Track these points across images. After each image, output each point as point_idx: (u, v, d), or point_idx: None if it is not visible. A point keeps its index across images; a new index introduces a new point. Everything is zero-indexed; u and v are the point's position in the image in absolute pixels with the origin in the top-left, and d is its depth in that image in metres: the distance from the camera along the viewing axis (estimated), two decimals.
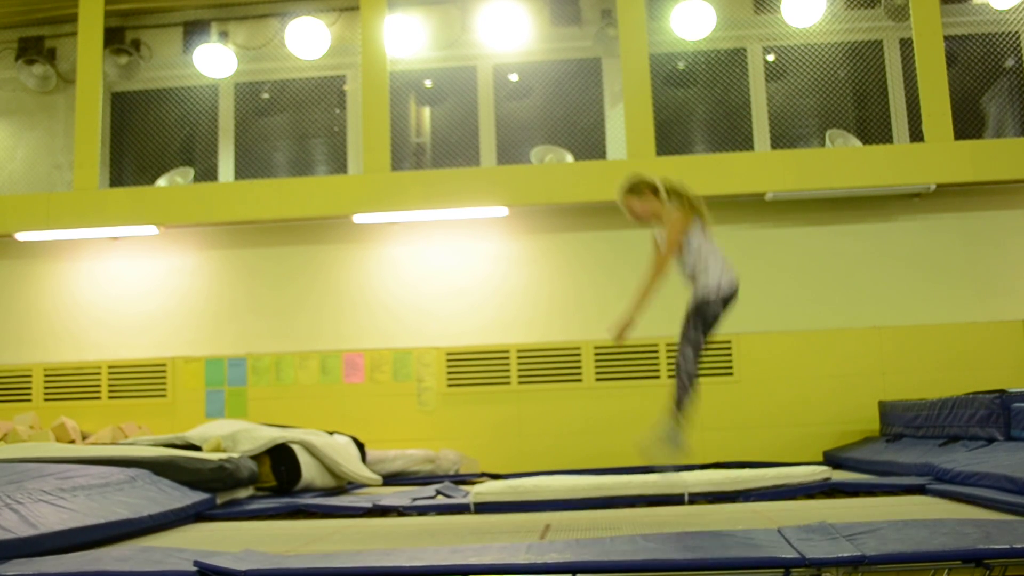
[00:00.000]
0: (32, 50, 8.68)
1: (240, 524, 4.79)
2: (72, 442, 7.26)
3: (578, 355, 7.84)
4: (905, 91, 8.16)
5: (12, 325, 8.32)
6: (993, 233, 7.86)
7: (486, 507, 5.05)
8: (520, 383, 7.86)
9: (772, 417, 7.65)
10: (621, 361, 7.79)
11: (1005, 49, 8.23)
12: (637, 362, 7.79)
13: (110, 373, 8.13)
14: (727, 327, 7.64)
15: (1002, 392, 5.46)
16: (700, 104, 8.47)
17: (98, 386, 8.12)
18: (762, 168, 7.62)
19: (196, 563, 2.96)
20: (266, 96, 8.77)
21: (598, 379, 7.81)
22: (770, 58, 8.38)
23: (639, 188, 4.37)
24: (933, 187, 7.50)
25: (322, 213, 7.86)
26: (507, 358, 7.89)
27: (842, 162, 7.58)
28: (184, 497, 4.82)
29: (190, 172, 8.45)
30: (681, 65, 8.48)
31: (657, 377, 7.77)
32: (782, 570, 2.81)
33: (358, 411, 7.83)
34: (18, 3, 8.52)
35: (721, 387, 7.73)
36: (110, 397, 8.09)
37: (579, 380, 7.83)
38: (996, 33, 8.21)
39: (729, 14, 8.33)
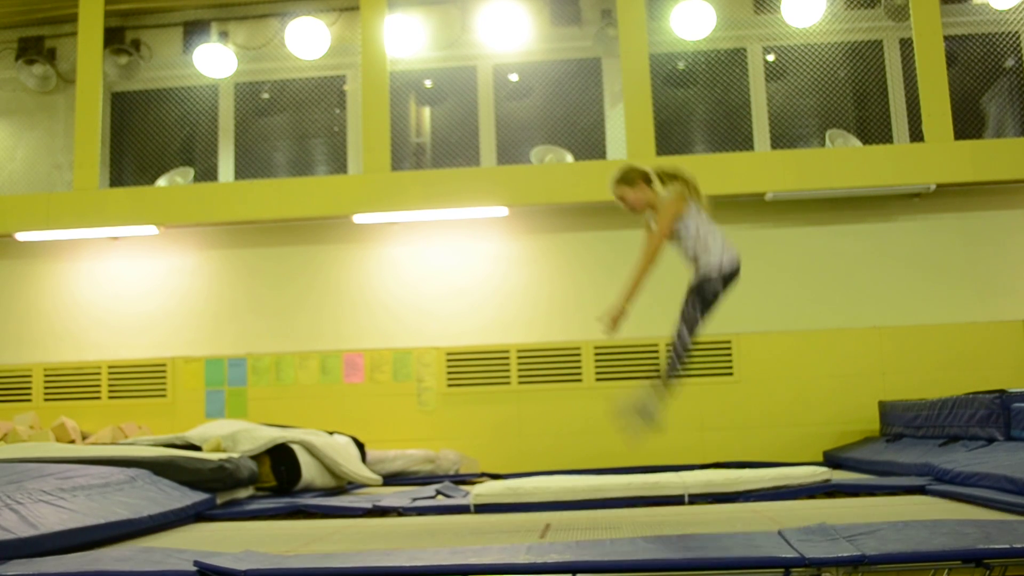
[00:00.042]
0: (32, 50, 8.68)
1: (240, 524, 4.79)
2: (72, 442, 7.26)
3: (578, 355, 7.85)
4: (905, 91, 8.16)
5: (12, 325, 8.32)
6: (993, 233, 7.86)
7: (486, 507, 5.05)
8: (520, 383, 7.86)
9: (772, 417, 7.65)
10: (621, 361, 7.79)
11: (1005, 49, 8.23)
12: (637, 362, 7.78)
13: (110, 373, 8.13)
14: (727, 327, 7.73)
15: (1002, 392, 5.47)
16: (700, 104, 8.47)
17: (98, 386, 8.12)
18: (762, 168, 7.62)
19: (196, 563, 2.96)
20: (266, 96, 8.77)
21: (598, 379, 7.81)
22: (770, 58, 8.38)
23: (631, 178, 4.34)
24: (933, 187, 7.50)
25: (322, 213, 7.86)
26: (507, 358, 7.89)
27: (842, 162, 7.58)
28: (184, 497, 4.82)
29: (190, 172, 8.45)
30: (681, 65, 8.48)
31: (657, 377, 7.75)
32: (782, 570, 2.82)
33: (358, 411, 7.83)
34: (18, 3, 8.52)
35: (721, 387, 7.74)
36: (110, 397, 8.10)
37: (579, 380, 7.83)
38: (996, 33, 8.21)
39: (729, 14, 8.33)
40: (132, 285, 8.30)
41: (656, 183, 4.36)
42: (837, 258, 7.90)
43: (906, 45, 8.08)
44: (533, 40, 8.40)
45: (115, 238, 8.24)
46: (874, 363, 7.68)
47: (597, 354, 7.81)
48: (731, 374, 7.76)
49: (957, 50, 8.24)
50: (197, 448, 5.89)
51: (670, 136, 8.23)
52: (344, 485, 6.54)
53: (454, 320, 8.00)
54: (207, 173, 8.57)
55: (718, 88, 8.40)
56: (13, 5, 8.52)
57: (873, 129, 8.22)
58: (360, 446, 7.01)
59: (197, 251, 8.29)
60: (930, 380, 7.44)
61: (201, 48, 8.48)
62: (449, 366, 7.91)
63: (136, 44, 8.73)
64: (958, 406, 5.85)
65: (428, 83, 8.67)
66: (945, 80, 7.59)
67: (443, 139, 8.57)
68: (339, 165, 8.58)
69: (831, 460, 7.12)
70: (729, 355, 7.77)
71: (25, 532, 3.39)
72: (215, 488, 5.20)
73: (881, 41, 8.31)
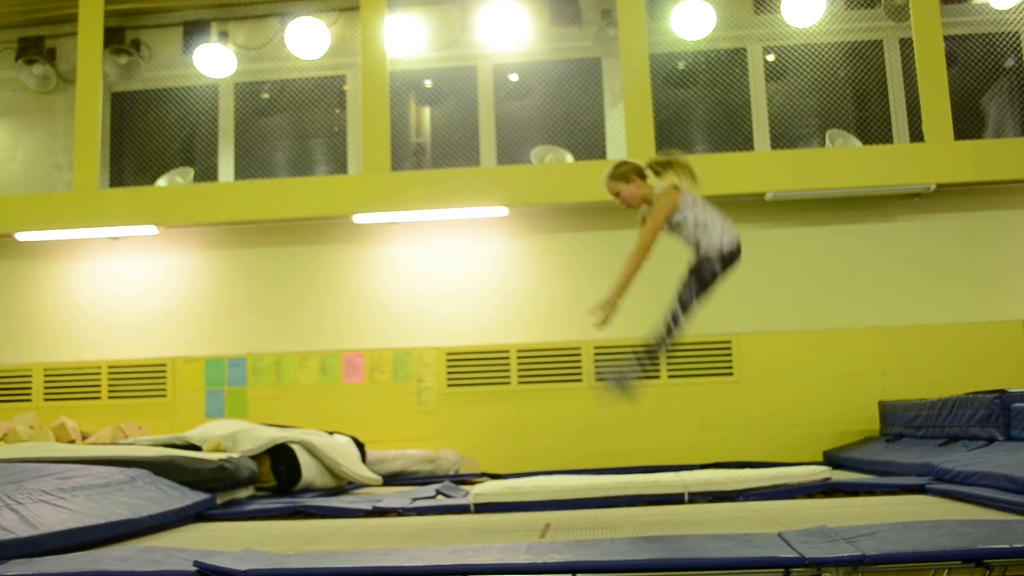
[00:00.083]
0: (32, 50, 8.69)
1: (240, 524, 4.79)
2: (72, 442, 7.26)
3: (578, 355, 7.84)
4: (905, 91, 8.16)
5: (12, 325, 8.32)
6: (993, 233, 7.86)
7: (486, 507, 5.05)
8: (520, 383, 7.86)
9: (772, 417, 7.65)
10: (621, 361, 7.77)
11: (1005, 49, 8.23)
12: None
13: (110, 373, 8.13)
14: (727, 327, 7.73)
15: (1002, 392, 5.47)
16: (700, 104, 8.47)
17: (98, 386, 8.12)
18: (762, 168, 7.62)
19: (196, 563, 2.96)
20: (266, 96, 8.77)
21: (598, 379, 7.80)
22: (770, 58, 8.38)
23: (625, 174, 4.34)
24: (933, 187, 7.50)
25: (322, 213, 7.86)
26: (507, 358, 7.89)
27: (842, 162, 7.58)
28: (184, 497, 4.82)
29: (190, 172, 8.45)
30: (681, 65, 8.48)
31: (657, 377, 7.77)
32: (782, 570, 2.82)
33: (358, 411, 7.83)
34: (18, 3, 8.52)
35: (721, 387, 7.74)
36: (110, 397, 8.10)
37: (579, 380, 7.83)
38: (996, 33, 8.21)
39: (729, 14, 8.33)
40: (132, 285, 8.30)
41: (650, 177, 4.36)
42: (837, 258, 7.90)
43: (906, 45, 8.08)
44: (533, 40, 8.40)
45: (115, 238, 8.24)
46: (874, 363, 7.67)
47: (597, 354, 7.80)
48: (731, 374, 7.76)
49: (957, 50, 8.24)
50: (197, 448, 5.89)
51: (670, 136, 8.23)
52: (344, 485, 6.55)
53: (454, 320, 8.00)
54: (207, 173, 8.57)
55: (718, 88, 8.40)
56: (13, 5, 8.53)
57: (873, 129, 8.22)
58: (360, 446, 7.01)
59: (197, 251, 8.29)
60: (930, 380, 7.44)
61: (201, 48, 8.48)
62: (449, 366, 7.91)
63: (136, 44, 8.73)
64: (958, 406, 5.85)
65: (428, 83, 8.67)
66: (945, 80, 7.59)
67: (443, 139, 8.57)
68: (339, 165, 8.58)
69: (831, 460, 7.11)
70: (729, 355, 7.77)
71: (25, 532, 3.39)
72: (215, 488, 5.20)
73: (881, 41, 8.31)
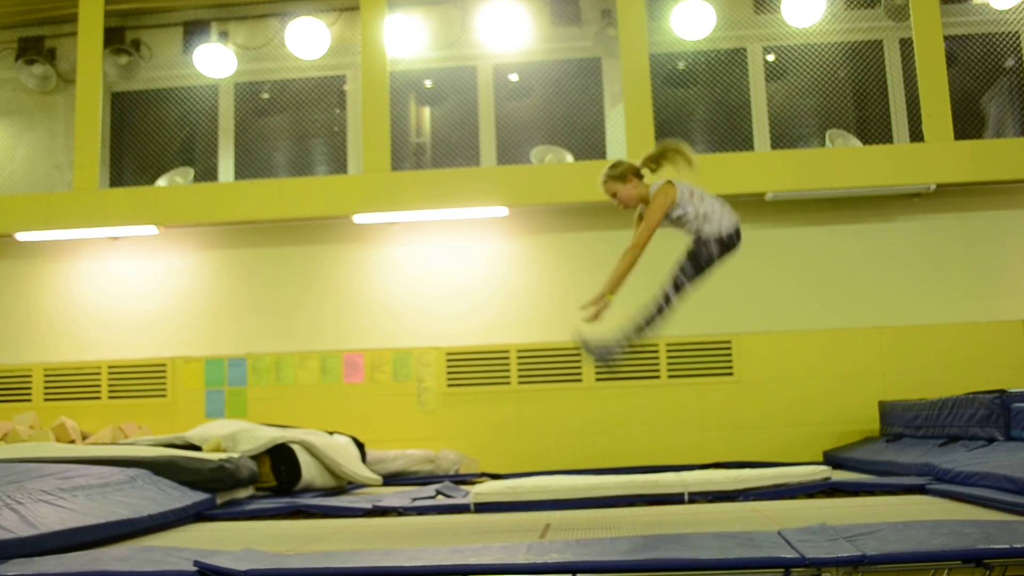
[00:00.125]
0: (32, 50, 8.69)
1: (240, 524, 4.79)
2: (72, 442, 7.26)
3: (578, 355, 7.82)
4: (905, 91, 8.16)
5: (12, 325, 8.32)
6: (993, 233, 7.86)
7: (486, 507, 5.05)
8: (520, 383, 7.86)
9: (772, 417, 7.65)
10: (621, 361, 7.77)
11: (1005, 49, 8.23)
12: (637, 362, 7.78)
13: (110, 373, 8.13)
14: (727, 327, 7.73)
15: (1002, 392, 5.47)
16: (700, 104, 8.47)
17: (98, 386, 8.12)
18: (762, 168, 7.62)
19: (196, 563, 2.96)
20: (266, 96, 8.77)
21: (598, 379, 7.81)
22: (770, 58, 8.38)
23: (622, 174, 4.34)
24: (933, 187, 7.50)
25: (322, 213, 7.86)
26: (507, 358, 7.89)
27: (842, 162, 7.58)
28: (184, 497, 4.82)
29: (190, 172, 8.45)
30: (681, 65, 8.48)
31: (657, 377, 7.77)
32: (782, 570, 2.82)
33: (358, 411, 7.83)
34: (18, 3, 8.52)
35: (721, 387, 7.74)
36: (110, 397, 8.10)
37: (579, 380, 7.83)
38: (996, 33, 8.21)
39: (729, 14, 8.33)
40: (132, 285, 8.30)
41: (647, 175, 4.36)
42: (837, 258, 7.90)
43: (906, 45, 8.08)
44: (533, 40, 8.40)
45: (115, 238, 8.24)
46: (874, 363, 7.68)
47: None
48: (731, 374, 7.76)
49: (957, 50, 8.24)
50: (197, 448, 5.89)
51: (670, 136, 8.21)
52: (344, 485, 6.54)
53: (454, 320, 8.00)
54: (207, 173, 8.57)
55: (718, 88, 8.40)
56: (13, 5, 8.53)
57: (873, 129, 8.22)
58: (360, 446, 7.01)
59: (197, 251, 8.29)
60: (930, 380, 7.44)
61: (201, 48, 8.48)
62: (449, 366, 7.91)
63: (136, 44, 8.73)
64: (958, 406, 5.85)
65: (428, 83, 8.67)
66: (945, 80, 7.59)
67: (443, 139, 8.57)
68: (339, 165, 8.58)
69: (831, 460, 7.11)
70: (729, 355, 7.77)
71: (25, 532, 3.39)
72: (215, 488, 5.20)
73: (881, 41, 8.31)
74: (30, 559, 3.22)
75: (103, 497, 4.20)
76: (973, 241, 7.86)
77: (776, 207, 7.87)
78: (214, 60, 8.48)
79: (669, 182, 4.27)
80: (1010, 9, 8.13)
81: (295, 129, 8.75)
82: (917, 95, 7.69)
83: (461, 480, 7.08)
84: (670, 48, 8.31)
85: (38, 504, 3.72)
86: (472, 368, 7.90)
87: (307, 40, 8.32)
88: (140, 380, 8.10)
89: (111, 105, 8.75)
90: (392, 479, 7.11)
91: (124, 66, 8.63)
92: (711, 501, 5.12)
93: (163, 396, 8.05)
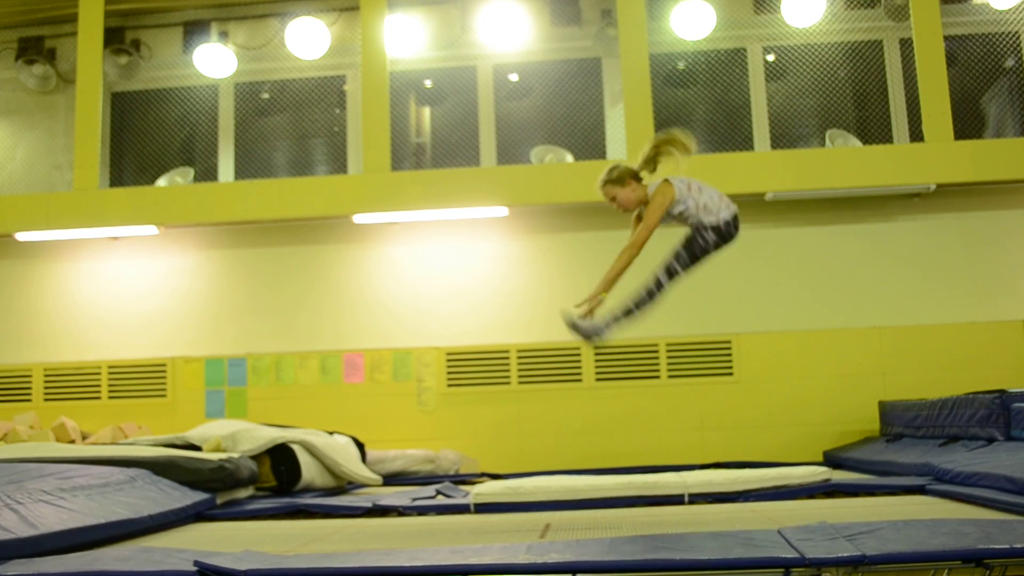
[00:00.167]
0: (32, 50, 8.68)
1: (240, 524, 4.79)
2: (72, 442, 7.26)
3: (578, 355, 7.84)
4: (905, 91, 8.16)
5: (12, 325, 8.32)
6: (993, 233, 7.86)
7: (486, 507, 5.05)
8: (520, 383, 7.86)
9: (772, 417, 7.65)
10: (621, 361, 7.80)
11: (1005, 49, 8.23)
12: (637, 362, 7.79)
13: (110, 373, 8.13)
14: (727, 327, 7.73)
15: (1002, 392, 5.47)
16: (700, 104, 8.47)
17: (98, 386, 8.12)
18: (762, 168, 7.62)
19: (196, 563, 2.96)
20: (266, 96, 8.77)
21: (598, 379, 7.81)
22: (770, 58, 8.38)
23: (620, 177, 4.35)
24: (933, 187, 7.50)
25: (322, 213, 7.86)
26: (507, 358, 7.89)
27: (842, 162, 7.58)
28: (184, 497, 4.82)
29: (190, 172, 8.45)
30: (681, 65, 8.48)
31: (657, 377, 7.77)
32: (782, 570, 2.81)
33: (358, 411, 7.83)
34: (18, 3, 8.52)
35: (721, 387, 7.74)
36: (110, 397, 8.10)
37: (579, 380, 7.83)
38: (996, 33, 8.21)
39: (729, 14, 8.33)
40: (132, 285, 8.30)
41: (645, 176, 4.36)
42: (837, 258, 7.90)
43: (906, 45, 8.08)
44: (533, 40, 8.40)
45: (115, 238, 8.24)
46: (874, 363, 7.67)
47: (597, 354, 7.80)
48: (731, 374, 7.76)
49: (957, 50, 8.24)
50: (197, 448, 5.89)
51: None
52: (344, 485, 6.54)
53: (454, 320, 8.00)
54: (207, 173, 8.57)
55: (718, 88, 8.40)
56: (13, 5, 8.53)
57: (873, 129, 8.22)
58: (360, 446, 7.01)
59: (197, 251, 8.29)
60: (930, 380, 7.44)
61: (201, 48, 8.49)
62: (449, 366, 7.91)
63: (136, 44, 8.73)
64: (958, 406, 5.85)
65: (428, 83, 8.67)
66: (945, 80, 7.59)
67: (443, 139, 8.57)
68: (339, 165, 8.58)
69: (831, 460, 7.12)
70: (729, 355, 7.77)
71: (25, 532, 3.39)
72: (215, 488, 5.20)
73: (881, 41, 8.31)
74: (30, 559, 3.22)
75: (103, 497, 4.20)
76: (973, 241, 7.86)
77: (776, 207, 7.87)
78: (214, 60, 8.48)
79: (666, 180, 4.28)
80: (1010, 9, 8.13)
81: (295, 129, 8.75)
82: (917, 95, 7.70)
83: (461, 480, 7.08)
84: (670, 48, 8.31)
85: (38, 504, 3.72)
86: (472, 368, 7.90)
87: (307, 40, 8.32)
88: (140, 380, 8.10)
89: (111, 105, 8.75)
90: (392, 479, 7.11)
91: (124, 66, 8.63)
92: (711, 502, 5.12)
93: (163, 396, 8.05)
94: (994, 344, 7.62)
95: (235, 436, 6.05)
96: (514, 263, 8.08)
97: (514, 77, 8.59)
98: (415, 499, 5.37)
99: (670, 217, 4.32)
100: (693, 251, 4.28)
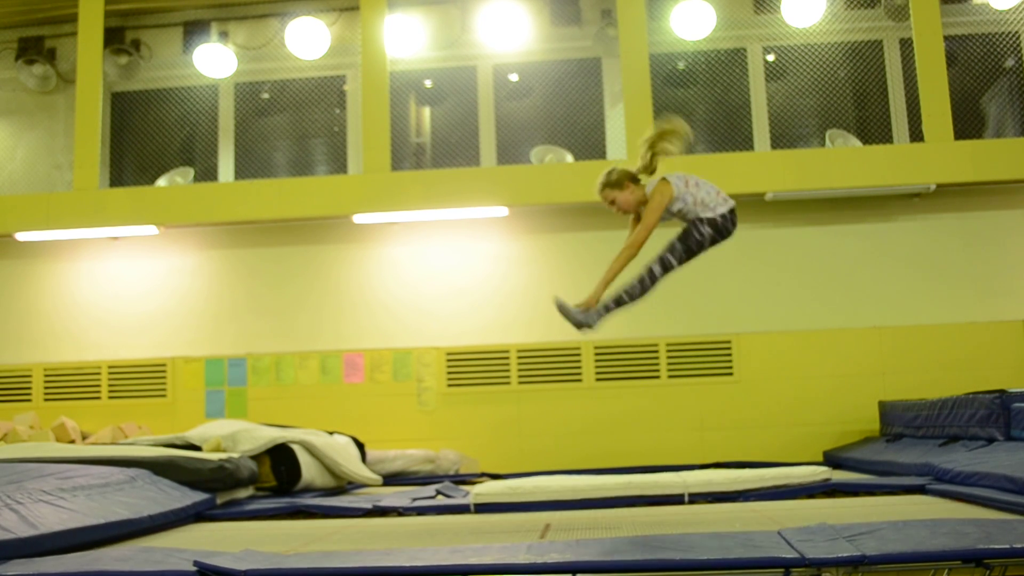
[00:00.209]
0: (32, 50, 8.69)
1: (240, 524, 4.79)
2: (72, 442, 7.26)
3: (578, 355, 7.84)
4: (905, 91, 8.16)
5: (12, 325, 8.32)
6: (993, 233, 7.86)
7: (486, 507, 5.05)
8: (520, 383, 7.86)
9: (772, 417, 7.65)
10: (621, 361, 7.80)
11: (1005, 49, 8.23)
12: (637, 362, 7.79)
13: (110, 373, 8.13)
14: (727, 327, 7.73)
15: (1002, 392, 5.47)
16: (700, 104, 8.47)
17: (98, 386, 8.12)
18: (762, 168, 7.62)
19: (196, 563, 2.96)
20: (266, 96, 8.77)
21: (598, 379, 7.81)
22: (770, 58, 8.38)
23: (618, 180, 4.35)
24: (933, 187, 7.50)
25: (322, 213, 7.86)
26: (507, 358, 7.89)
27: (842, 162, 7.58)
28: (184, 497, 4.82)
29: (190, 172, 8.45)
30: (681, 65, 8.48)
31: (657, 377, 7.77)
32: (782, 570, 2.82)
33: (358, 411, 7.83)
34: (18, 3, 8.52)
35: (721, 387, 7.74)
36: (110, 397, 8.10)
37: (579, 380, 7.83)
38: (996, 33, 8.22)
39: (729, 14, 8.33)
40: (132, 285, 8.30)
41: (642, 171, 4.36)
42: (837, 258, 7.90)
43: (906, 45, 8.08)
44: (533, 40, 8.40)
45: (115, 238, 8.24)
46: (874, 363, 7.68)
47: (597, 354, 7.81)
48: (731, 374, 7.76)
49: (957, 50, 8.24)
50: (197, 448, 5.89)
51: None
52: (344, 485, 6.54)
53: (454, 320, 8.00)
54: (207, 173, 8.57)
55: (718, 88, 8.40)
56: (13, 5, 8.53)
57: (873, 129, 8.22)
58: (360, 446, 7.01)
59: (197, 251, 8.29)
60: (930, 380, 7.44)
61: (201, 48, 8.49)
62: (449, 366, 7.91)
63: (136, 44, 8.73)
64: (958, 406, 5.85)
65: (428, 83, 8.67)
66: (945, 80, 7.59)
67: (443, 139, 8.57)
68: (339, 165, 8.58)
69: (831, 460, 7.11)
70: (729, 355, 7.77)
71: (25, 532, 3.39)
72: (215, 488, 5.20)
73: (881, 41, 8.31)
74: (30, 559, 3.22)
75: (103, 497, 4.20)
76: (973, 241, 7.86)
77: (776, 207, 7.87)
78: (214, 60, 8.48)
79: (664, 179, 4.28)
80: (1010, 9, 8.13)
81: (295, 129, 8.75)
82: (917, 95, 7.70)
83: (461, 480, 7.08)
84: (670, 48, 8.31)
85: (38, 504, 3.72)
86: (472, 368, 7.90)
87: (307, 40, 8.32)
88: (140, 380, 8.10)
89: (111, 105, 8.75)
90: (392, 479, 7.11)
91: (124, 66, 8.63)
92: (711, 502, 5.12)
93: (163, 396, 8.05)
94: (994, 344, 7.63)
95: (235, 436, 6.05)
96: (514, 263, 8.08)
97: (514, 77, 8.59)
98: (415, 499, 5.37)
99: (669, 214, 4.32)
100: (688, 245, 4.28)
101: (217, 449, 5.82)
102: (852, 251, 7.90)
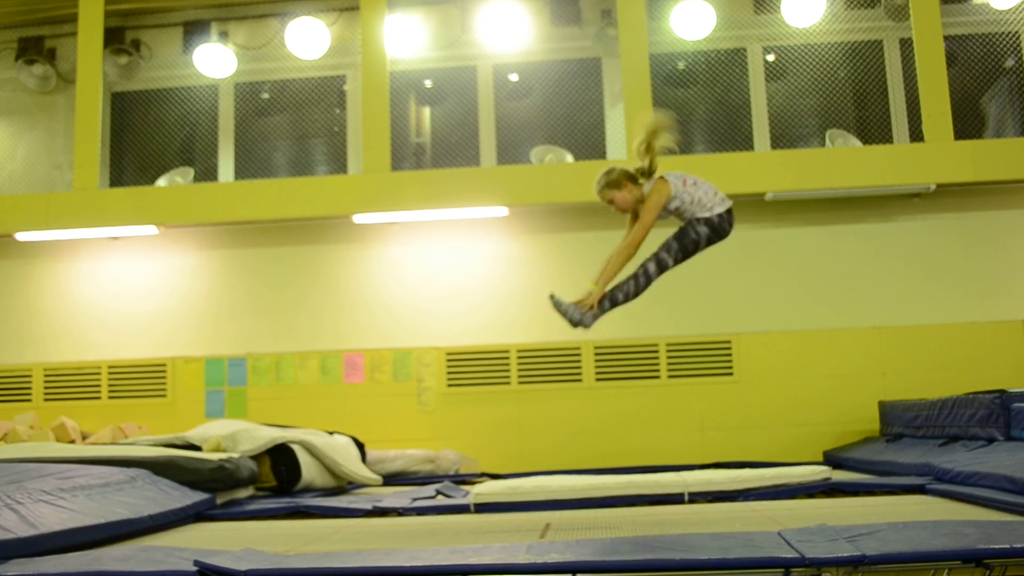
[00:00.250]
0: (32, 50, 8.69)
1: (240, 524, 4.79)
2: (72, 442, 7.26)
3: (578, 355, 7.84)
4: (905, 91, 8.16)
5: (12, 325, 8.32)
6: (993, 233, 7.86)
7: (486, 507, 5.05)
8: (520, 383, 7.86)
9: (772, 417, 7.65)
10: (621, 361, 7.79)
11: (1005, 49, 8.23)
12: (637, 362, 7.79)
13: (110, 373, 8.13)
14: (727, 327, 7.73)
15: (1002, 392, 5.47)
16: (700, 104, 8.47)
17: (98, 386, 8.12)
18: (762, 168, 7.62)
19: (196, 563, 2.96)
20: (266, 96, 8.77)
21: (598, 379, 7.81)
22: (770, 58, 8.38)
23: (617, 180, 4.36)
24: (933, 187, 7.50)
25: (322, 213, 7.86)
26: (507, 358, 7.89)
27: (842, 162, 7.58)
28: (184, 497, 4.82)
29: (190, 172, 8.45)
30: (681, 65, 8.48)
31: (657, 377, 7.77)
32: (782, 570, 2.82)
33: (358, 411, 7.83)
34: (18, 3, 8.52)
35: (721, 387, 7.74)
36: (110, 397, 8.10)
37: (579, 380, 7.83)
38: (996, 33, 8.22)
39: (729, 14, 8.33)
40: (132, 285, 8.30)
41: (640, 175, 4.37)
42: (837, 258, 7.90)
43: (906, 45, 8.08)
44: (533, 40, 8.40)
45: (115, 238, 8.24)
46: (874, 363, 7.68)
47: (597, 354, 7.81)
48: (731, 374, 7.76)
49: (957, 50, 8.24)
50: (197, 448, 5.89)
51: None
52: (344, 485, 6.54)
53: (454, 320, 8.00)
54: (207, 173, 8.57)
55: (718, 88, 8.40)
56: (13, 5, 8.53)
57: (873, 129, 8.22)
58: (360, 446, 7.01)
59: (197, 251, 8.29)
60: (930, 380, 7.44)
61: (201, 48, 8.49)
62: (449, 366, 7.91)
63: (136, 44, 8.73)
64: (958, 406, 5.85)
65: (428, 83, 8.67)
66: (945, 80, 7.59)
67: (443, 139, 8.57)
68: (339, 165, 8.58)
69: (831, 460, 7.11)
70: (729, 355, 7.77)
71: (25, 532, 3.39)
72: (215, 488, 5.20)
73: (881, 41, 8.31)
74: (30, 559, 3.22)
75: (103, 497, 4.20)
76: (973, 241, 7.86)
77: (776, 207, 7.87)
78: (214, 60, 8.48)
79: (662, 178, 4.29)
80: (1010, 9, 8.13)
81: (295, 129, 8.75)
82: (917, 95, 7.70)
83: (461, 480, 7.08)
84: (670, 48, 8.31)
85: (38, 504, 3.72)
86: (472, 368, 7.90)
87: (307, 40, 8.32)
88: (140, 380, 8.10)
89: (111, 105, 8.75)
90: (392, 479, 7.11)
91: (124, 66, 8.63)
92: (711, 501, 5.12)
93: (163, 396, 8.05)
94: (994, 344, 7.63)
95: (235, 436, 6.06)
96: (514, 263, 8.08)
97: (514, 77, 8.59)
98: (415, 499, 5.37)
99: (666, 213, 4.33)
100: (685, 244, 4.28)
101: (217, 449, 5.82)
102: (852, 251, 7.90)
